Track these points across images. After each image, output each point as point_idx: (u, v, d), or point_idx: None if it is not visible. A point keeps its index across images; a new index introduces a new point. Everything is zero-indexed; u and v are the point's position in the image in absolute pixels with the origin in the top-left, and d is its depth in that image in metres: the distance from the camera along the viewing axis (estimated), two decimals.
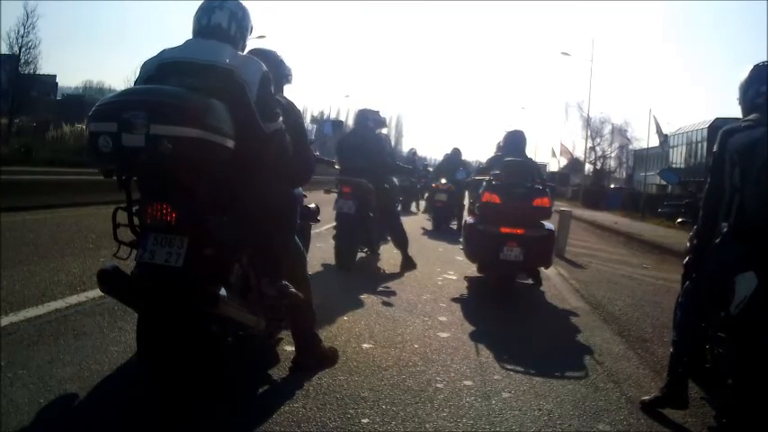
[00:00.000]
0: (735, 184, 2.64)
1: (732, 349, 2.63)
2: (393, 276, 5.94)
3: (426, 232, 10.98)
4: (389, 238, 6.68)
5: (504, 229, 5.22)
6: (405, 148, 43.16)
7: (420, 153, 24.30)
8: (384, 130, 6.97)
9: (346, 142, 6.37)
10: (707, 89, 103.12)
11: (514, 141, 6.48)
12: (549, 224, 5.57)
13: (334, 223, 6.08)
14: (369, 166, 6.08)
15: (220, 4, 2.65)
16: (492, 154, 7.05)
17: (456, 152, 13.03)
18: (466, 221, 6.05)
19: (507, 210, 5.31)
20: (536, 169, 6.14)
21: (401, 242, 6.47)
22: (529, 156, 6.62)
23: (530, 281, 6.00)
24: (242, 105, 2.46)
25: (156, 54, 2.59)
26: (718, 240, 2.82)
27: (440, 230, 11.21)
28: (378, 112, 6.57)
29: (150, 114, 2.14)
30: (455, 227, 11.61)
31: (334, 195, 6.29)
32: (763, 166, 2.45)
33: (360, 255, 6.50)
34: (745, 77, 2.86)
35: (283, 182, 2.94)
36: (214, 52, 2.53)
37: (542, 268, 5.82)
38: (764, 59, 2.90)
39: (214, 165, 2.34)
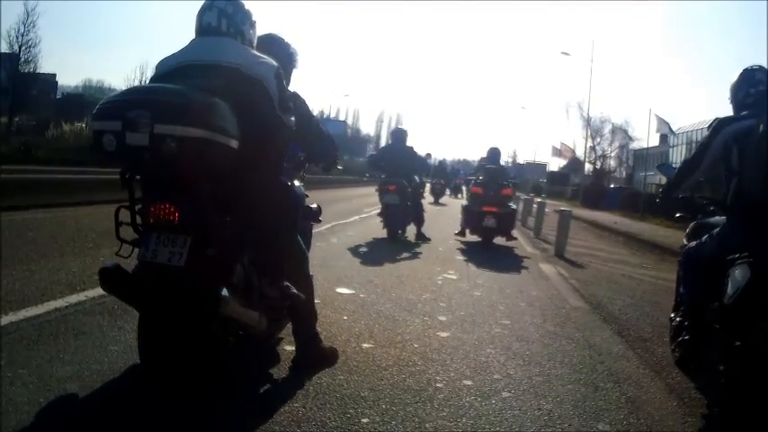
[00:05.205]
0: (733, 168, 2.90)
1: (725, 337, 2.78)
2: (393, 276, 5.94)
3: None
4: (412, 223, 9.42)
5: (485, 208, 9.12)
6: None
7: (420, 153, 26.48)
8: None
9: (387, 154, 9.63)
10: (707, 89, 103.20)
11: (492, 155, 10.37)
12: (513, 204, 9.77)
13: (378, 210, 9.42)
14: (403, 171, 9.10)
15: (210, 4, 2.66)
16: (476, 163, 12.50)
17: (443, 163, 24.80)
18: (462, 204, 10.07)
19: (486, 196, 9.29)
20: (505, 172, 10.40)
21: (419, 221, 9.50)
22: (502, 162, 11.71)
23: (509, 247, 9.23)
24: (263, 102, 2.52)
25: (169, 55, 2.62)
26: (717, 230, 3.11)
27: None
28: (406, 131, 9.89)
29: (154, 113, 2.13)
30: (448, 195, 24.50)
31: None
32: (756, 150, 2.70)
33: (361, 253, 6.50)
34: (735, 80, 3.17)
35: (323, 165, 3.48)
36: (227, 52, 2.55)
37: (542, 265, 5.96)
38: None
39: (218, 165, 2.34)
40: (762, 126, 2.68)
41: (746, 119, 2.91)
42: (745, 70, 3.15)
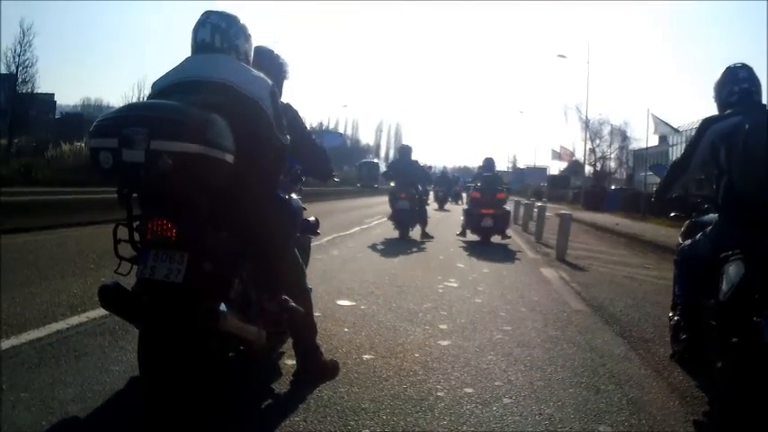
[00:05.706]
0: (722, 166, 2.93)
1: (721, 334, 2.79)
2: (394, 287, 5.95)
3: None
4: (418, 224, 11.23)
5: (483, 210, 10.82)
6: None
7: (421, 161, 28.05)
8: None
9: (396, 166, 11.64)
10: (705, 89, 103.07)
11: (488, 164, 12.32)
12: (507, 207, 11.55)
13: (384, 219, 12.08)
14: (410, 181, 11.11)
15: (204, 20, 2.68)
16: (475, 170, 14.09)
17: (444, 172, 26.31)
18: (463, 208, 12.22)
19: (484, 200, 10.92)
20: (500, 179, 12.24)
21: (424, 222, 11.34)
22: (503, 167, 14.66)
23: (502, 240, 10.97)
24: (259, 121, 2.54)
25: (164, 74, 2.64)
26: (710, 228, 3.14)
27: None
28: (411, 147, 12.03)
29: (150, 130, 2.14)
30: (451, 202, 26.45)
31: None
32: (743, 148, 2.69)
33: (362, 265, 6.50)
34: (718, 79, 3.19)
35: (318, 177, 3.57)
36: (221, 69, 2.57)
37: (543, 269, 5.95)
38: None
39: (214, 180, 2.36)
40: (747, 124, 2.70)
41: (731, 117, 2.95)
42: (728, 68, 3.19)
